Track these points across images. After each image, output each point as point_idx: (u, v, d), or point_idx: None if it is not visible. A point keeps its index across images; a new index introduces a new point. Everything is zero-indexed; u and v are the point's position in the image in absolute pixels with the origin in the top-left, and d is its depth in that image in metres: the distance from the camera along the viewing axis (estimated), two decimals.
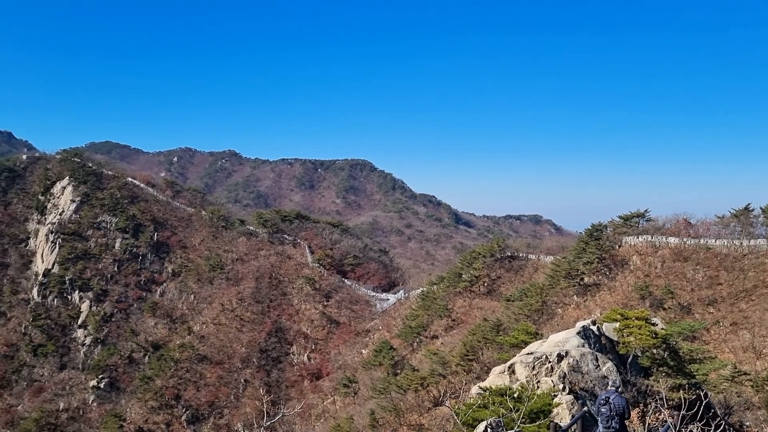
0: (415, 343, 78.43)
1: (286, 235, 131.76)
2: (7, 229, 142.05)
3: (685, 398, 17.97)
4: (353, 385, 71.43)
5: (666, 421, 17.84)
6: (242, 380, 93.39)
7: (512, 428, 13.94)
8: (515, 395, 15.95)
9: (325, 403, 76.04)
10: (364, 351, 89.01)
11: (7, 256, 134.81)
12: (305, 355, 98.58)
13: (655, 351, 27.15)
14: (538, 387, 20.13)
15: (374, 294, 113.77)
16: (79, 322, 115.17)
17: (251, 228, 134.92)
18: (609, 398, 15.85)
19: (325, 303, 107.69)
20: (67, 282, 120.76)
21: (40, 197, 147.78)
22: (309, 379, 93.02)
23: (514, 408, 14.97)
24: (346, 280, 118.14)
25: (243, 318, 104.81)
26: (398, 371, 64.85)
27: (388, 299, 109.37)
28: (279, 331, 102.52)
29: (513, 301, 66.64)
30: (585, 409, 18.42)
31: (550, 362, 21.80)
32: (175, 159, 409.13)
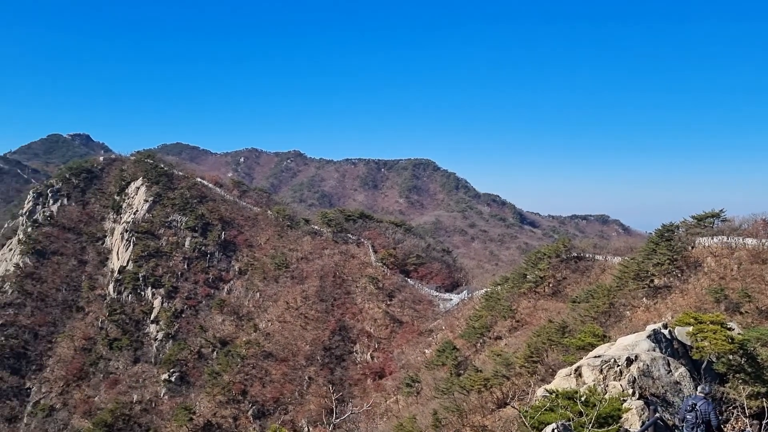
0: (479, 344, 77.66)
1: (349, 235, 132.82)
2: (85, 227, 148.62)
3: (765, 407, 17.11)
4: (416, 384, 71.30)
5: (744, 431, 17.05)
6: (306, 377, 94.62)
7: None
8: (583, 399, 15.52)
9: (388, 402, 76.19)
10: (427, 351, 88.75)
11: (85, 253, 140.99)
12: (368, 353, 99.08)
13: (731, 357, 25.92)
14: (606, 391, 19.57)
15: (437, 294, 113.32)
16: (152, 318, 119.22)
17: (316, 227, 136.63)
18: (696, 404, 15.22)
19: (388, 302, 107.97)
20: (141, 279, 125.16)
21: (115, 197, 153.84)
22: (372, 377, 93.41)
23: (581, 412, 14.57)
24: (409, 280, 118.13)
25: (307, 316, 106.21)
26: (461, 372, 64.32)
27: (451, 299, 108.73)
28: (342, 329, 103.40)
29: (579, 303, 65.06)
30: (657, 415, 17.76)
31: (618, 366, 21.16)
32: (242, 159, 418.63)
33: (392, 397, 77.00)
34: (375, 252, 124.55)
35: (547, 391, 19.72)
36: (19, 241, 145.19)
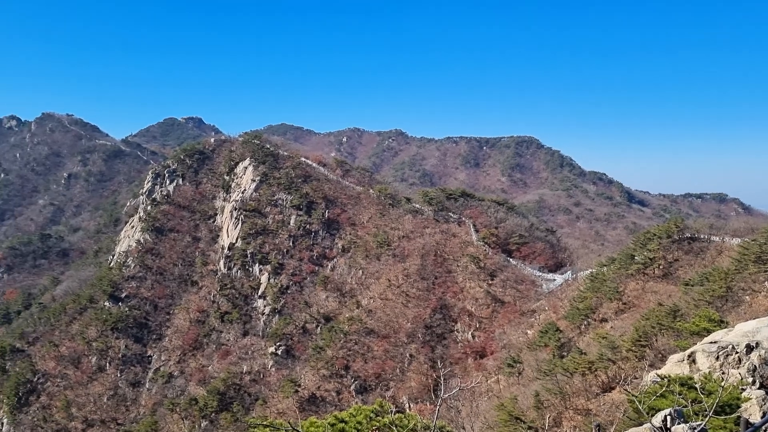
0: (583, 326, 75.57)
1: (451, 213, 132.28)
2: (198, 206, 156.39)
3: None
4: (517, 365, 70.43)
5: None
6: (407, 355, 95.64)
7: (694, 420, 12.86)
8: (697, 386, 14.71)
9: (489, 381, 75.76)
10: (529, 331, 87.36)
11: (198, 230, 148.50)
12: (469, 333, 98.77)
13: None
14: (722, 379, 18.47)
15: (540, 274, 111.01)
16: (259, 293, 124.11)
17: (417, 206, 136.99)
18: None
19: (490, 282, 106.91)
20: (249, 255, 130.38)
21: (225, 177, 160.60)
22: (473, 357, 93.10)
23: (695, 399, 13.81)
24: (511, 260, 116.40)
25: (409, 294, 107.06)
26: (564, 353, 62.92)
27: (554, 280, 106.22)
28: (444, 308, 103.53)
29: (692, 286, 61.75)
30: None
31: (737, 353, 19.90)
32: (345, 139, 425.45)
33: (493, 376, 76.49)
34: (476, 231, 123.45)
35: (658, 376, 18.87)
36: (140, 218, 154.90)
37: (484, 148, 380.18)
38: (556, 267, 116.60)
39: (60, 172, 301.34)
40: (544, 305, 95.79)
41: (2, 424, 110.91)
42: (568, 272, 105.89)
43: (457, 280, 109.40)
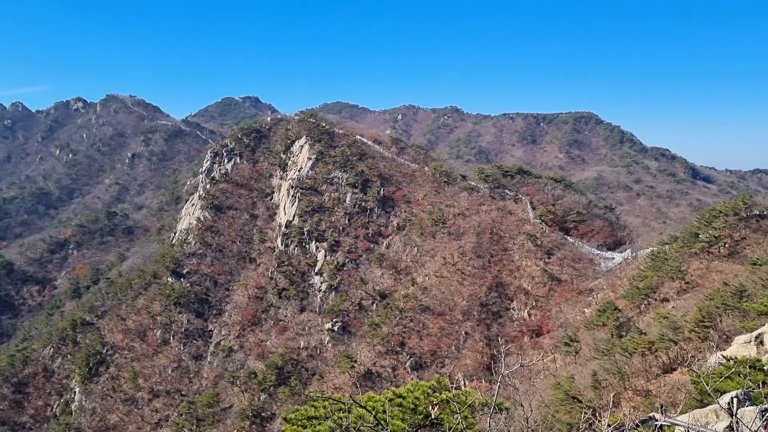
0: (643, 306, 73.91)
1: (507, 191, 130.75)
2: (255, 184, 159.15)
3: None
4: (574, 344, 69.56)
5: None
6: (463, 332, 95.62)
7: (763, 403, 12.46)
8: (766, 368, 14.23)
9: (545, 360, 75.14)
10: (586, 310, 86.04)
11: (256, 208, 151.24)
12: (525, 311, 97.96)
13: None
14: None
15: (598, 252, 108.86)
16: (316, 270, 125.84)
17: (472, 183, 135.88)
18: None
19: (547, 260, 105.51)
20: (305, 233, 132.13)
21: (281, 155, 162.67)
22: (529, 335, 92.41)
23: (764, 382, 13.38)
24: (568, 237, 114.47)
25: (464, 272, 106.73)
26: (623, 333, 61.77)
27: (613, 258, 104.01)
28: (499, 286, 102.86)
29: (761, 266, 59.50)
30: None
31: None
32: (400, 116, 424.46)
33: (549, 355, 75.80)
34: (533, 208, 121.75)
35: (724, 357, 18.34)
36: (199, 197, 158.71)
37: (541, 124, 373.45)
38: (615, 245, 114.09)
39: (124, 152, 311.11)
40: (602, 284, 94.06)
41: (75, 393, 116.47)
42: (628, 251, 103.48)
43: (513, 258, 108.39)
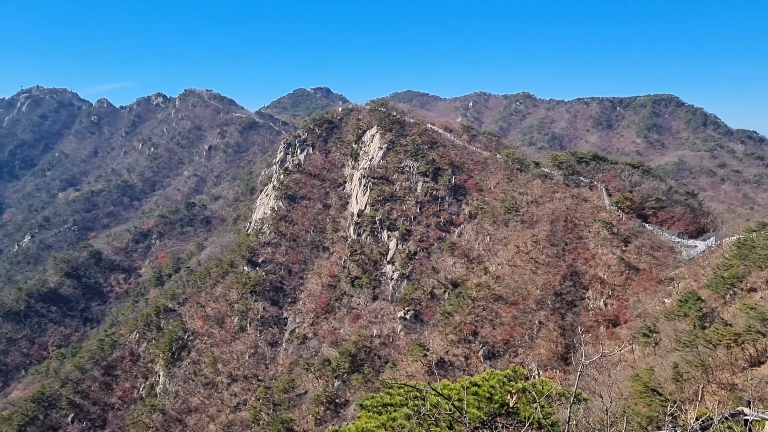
0: (728, 296, 70.81)
1: (581, 177, 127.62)
2: (328, 174, 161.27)
3: None
4: (653, 335, 67.43)
5: None
6: (536, 322, 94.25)
7: None
8: None
9: (622, 350, 73.24)
10: (666, 300, 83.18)
11: (328, 198, 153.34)
12: (601, 300, 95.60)
13: None
14: None
15: (679, 240, 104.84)
16: (388, 259, 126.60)
17: (546, 170, 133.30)
18: None
19: (624, 248, 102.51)
20: (377, 222, 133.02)
21: (353, 145, 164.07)
22: (605, 325, 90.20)
23: None
24: (646, 225, 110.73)
25: (537, 260, 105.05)
26: (706, 324, 59.44)
27: (695, 246, 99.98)
28: (574, 274, 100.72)
29: None
30: None
31: None
32: (471, 104, 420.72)
33: (627, 346, 73.81)
34: (609, 195, 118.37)
35: None
36: (273, 187, 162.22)
37: (618, 108, 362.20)
38: (698, 233, 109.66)
39: (201, 144, 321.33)
40: (683, 273, 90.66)
41: (159, 376, 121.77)
42: (711, 238, 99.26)
43: (589, 246, 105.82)
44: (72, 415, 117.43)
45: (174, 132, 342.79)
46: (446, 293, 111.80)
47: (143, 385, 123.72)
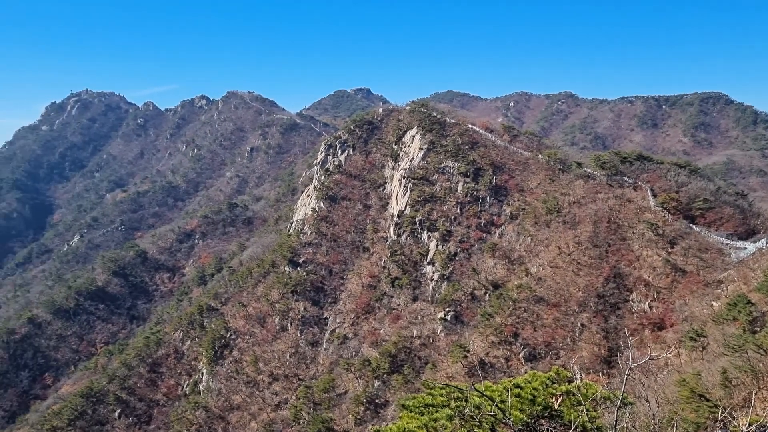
0: None
1: (625, 178, 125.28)
2: (368, 174, 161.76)
3: None
4: (701, 339, 65.79)
5: None
6: (579, 324, 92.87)
7: None
8: None
9: (668, 354, 71.66)
10: (714, 303, 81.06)
11: (368, 198, 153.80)
12: (646, 303, 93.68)
13: None
14: None
15: (728, 242, 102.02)
16: (428, 259, 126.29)
17: (588, 171, 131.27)
18: None
19: (670, 249, 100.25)
20: (417, 222, 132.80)
21: (393, 146, 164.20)
22: (650, 328, 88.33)
23: None
24: (693, 226, 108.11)
25: (580, 262, 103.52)
26: (757, 329, 57.75)
27: (745, 248, 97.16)
28: (617, 276, 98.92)
29: None
30: None
31: None
32: (512, 104, 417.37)
33: (673, 350, 72.19)
34: (654, 196, 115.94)
35: None
36: (314, 188, 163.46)
37: (663, 107, 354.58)
38: (747, 234, 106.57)
39: (243, 145, 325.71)
40: (732, 276, 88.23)
41: (202, 374, 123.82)
42: (762, 240, 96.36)
43: (633, 247, 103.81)
44: (119, 411, 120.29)
45: (217, 133, 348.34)
46: (487, 294, 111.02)
47: (187, 382, 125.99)
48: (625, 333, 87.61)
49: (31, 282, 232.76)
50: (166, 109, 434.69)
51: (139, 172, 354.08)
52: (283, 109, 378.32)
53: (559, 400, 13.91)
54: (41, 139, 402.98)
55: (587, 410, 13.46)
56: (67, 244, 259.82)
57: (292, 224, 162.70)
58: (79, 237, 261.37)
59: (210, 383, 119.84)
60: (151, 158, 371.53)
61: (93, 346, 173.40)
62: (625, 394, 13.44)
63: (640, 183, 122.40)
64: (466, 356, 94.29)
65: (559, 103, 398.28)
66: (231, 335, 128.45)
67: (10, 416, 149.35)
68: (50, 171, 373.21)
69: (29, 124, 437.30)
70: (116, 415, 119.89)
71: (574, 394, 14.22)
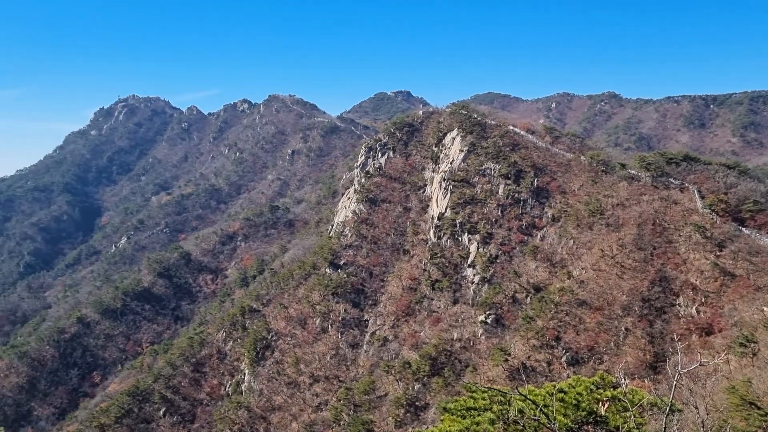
0: None
1: (671, 179, 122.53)
2: (408, 177, 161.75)
3: None
4: (751, 345, 63.95)
5: None
6: (623, 328, 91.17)
7: None
8: None
9: (717, 361, 69.80)
10: (766, 308, 78.68)
11: (409, 201, 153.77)
12: (693, 307, 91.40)
13: None
14: None
15: None
16: (469, 262, 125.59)
17: (632, 172, 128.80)
18: None
19: (718, 253, 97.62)
20: (458, 225, 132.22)
21: (433, 148, 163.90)
22: (698, 333, 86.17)
23: None
24: (743, 229, 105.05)
25: (624, 265, 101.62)
26: None
27: None
28: (663, 280, 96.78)
29: None
30: None
31: None
32: (553, 105, 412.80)
33: (721, 356, 70.26)
34: (701, 198, 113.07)
35: None
36: (355, 190, 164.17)
37: (711, 106, 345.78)
38: None
39: (284, 149, 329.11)
40: None
41: (244, 374, 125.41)
42: None
43: (679, 250, 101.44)
44: (164, 410, 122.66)
45: (258, 137, 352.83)
46: (528, 297, 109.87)
47: (229, 382, 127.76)
48: (672, 338, 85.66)
49: (80, 282, 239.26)
50: (209, 113, 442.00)
51: (183, 175, 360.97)
52: (324, 113, 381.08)
53: (606, 406, 13.64)
54: (90, 143, 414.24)
55: (634, 416, 13.17)
56: (115, 246, 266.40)
57: (332, 226, 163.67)
58: (125, 239, 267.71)
59: (252, 384, 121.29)
60: (194, 161, 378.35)
61: (139, 345, 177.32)
62: (673, 400, 13.10)
63: (686, 184, 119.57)
64: (507, 360, 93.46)
65: (602, 103, 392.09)
66: (272, 336, 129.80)
67: (60, 413, 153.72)
68: (99, 175, 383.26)
69: (79, 129, 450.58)
70: (161, 413, 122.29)
71: (620, 400, 13.93)
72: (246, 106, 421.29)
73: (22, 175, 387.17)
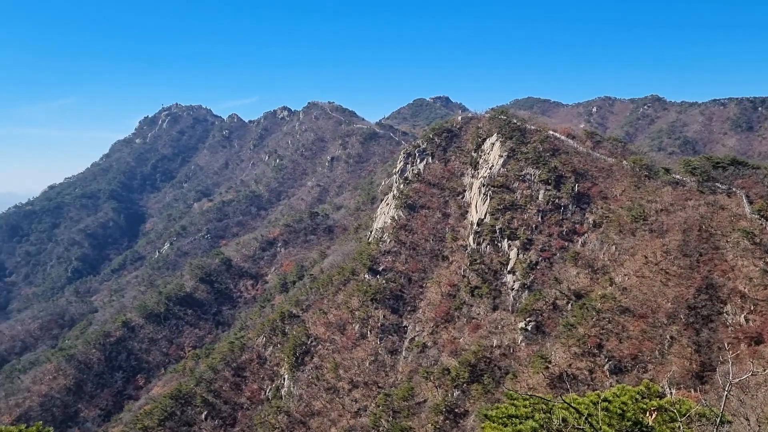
0: None
1: (718, 184, 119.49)
2: (447, 183, 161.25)
3: None
4: None
5: None
6: (668, 337, 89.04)
7: None
8: None
9: (766, 371, 67.59)
10: None
11: (448, 207, 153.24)
12: (742, 316, 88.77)
13: None
14: None
15: None
16: (508, 268, 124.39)
17: (677, 177, 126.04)
18: None
19: (767, 260, 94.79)
20: (497, 231, 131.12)
21: (472, 154, 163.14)
22: (746, 342, 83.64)
23: None
24: None
25: (668, 272, 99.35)
26: None
27: None
28: (710, 287, 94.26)
29: None
30: None
31: None
32: (594, 109, 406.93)
33: None
34: (750, 203, 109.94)
35: None
36: (393, 196, 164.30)
37: (759, 108, 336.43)
38: None
39: (324, 155, 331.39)
40: None
41: (284, 379, 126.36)
42: None
43: (727, 257, 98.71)
44: (205, 413, 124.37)
45: (298, 144, 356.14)
46: (569, 304, 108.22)
47: (269, 387, 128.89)
48: (721, 347, 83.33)
49: (125, 287, 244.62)
50: (250, 121, 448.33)
51: (224, 182, 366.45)
52: (363, 119, 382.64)
53: (653, 416, 13.29)
54: (135, 151, 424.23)
55: (682, 427, 12.80)
56: (158, 252, 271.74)
57: (371, 232, 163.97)
58: (168, 245, 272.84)
59: (291, 388, 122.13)
60: (235, 168, 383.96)
61: (181, 349, 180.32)
62: (723, 411, 12.68)
63: (734, 189, 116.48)
64: (547, 367, 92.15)
65: (645, 107, 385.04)
66: (312, 342, 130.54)
67: (106, 415, 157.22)
68: (143, 182, 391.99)
69: (124, 138, 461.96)
70: (203, 416, 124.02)
71: (666, 410, 13.56)
72: (285, 113, 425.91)
73: (71, 182, 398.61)
